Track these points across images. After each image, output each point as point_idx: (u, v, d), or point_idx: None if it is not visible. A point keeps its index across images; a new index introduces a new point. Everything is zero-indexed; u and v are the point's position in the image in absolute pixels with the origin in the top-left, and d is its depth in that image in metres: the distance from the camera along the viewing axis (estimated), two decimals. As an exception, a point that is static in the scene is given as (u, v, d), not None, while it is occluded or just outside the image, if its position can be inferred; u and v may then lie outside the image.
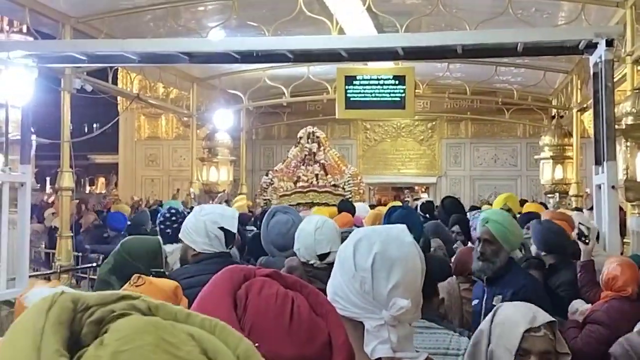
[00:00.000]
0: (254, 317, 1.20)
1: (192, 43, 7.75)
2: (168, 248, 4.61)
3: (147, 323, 0.66)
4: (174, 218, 4.93)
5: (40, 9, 8.98)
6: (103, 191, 24.91)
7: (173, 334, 0.65)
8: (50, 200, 16.87)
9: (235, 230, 3.35)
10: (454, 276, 4.48)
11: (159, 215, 5.18)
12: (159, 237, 4.75)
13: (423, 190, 19.43)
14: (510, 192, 7.19)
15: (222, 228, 3.25)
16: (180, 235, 3.48)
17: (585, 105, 11.99)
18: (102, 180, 26.90)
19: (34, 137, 7.99)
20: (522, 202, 9.82)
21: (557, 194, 13.35)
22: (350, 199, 10.93)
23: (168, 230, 4.81)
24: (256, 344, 1.14)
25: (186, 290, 2.58)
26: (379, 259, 1.56)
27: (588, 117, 12.87)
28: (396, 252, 1.58)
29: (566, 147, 13.37)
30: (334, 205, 9.58)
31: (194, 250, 3.26)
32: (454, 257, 4.89)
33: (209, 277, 1.30)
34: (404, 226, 1.69)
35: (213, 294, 1.24)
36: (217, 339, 0.69)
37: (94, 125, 21.72)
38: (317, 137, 11.83)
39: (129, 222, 9.00)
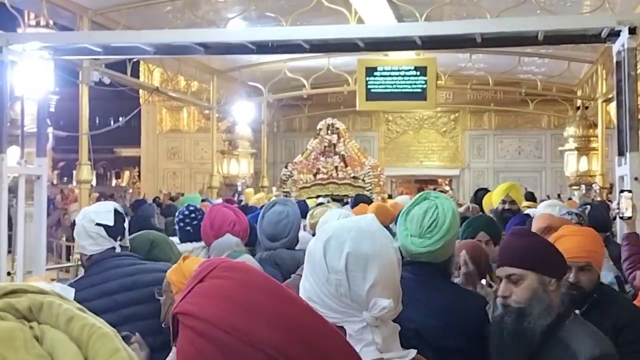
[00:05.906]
0: None
1: (207, 34, 7.66)
2: (189, 246, 4.52)
3: None
4: (192, 215, 4.81)
5: (57, 1, 8.99)
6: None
7: (13, 347, 0.61)
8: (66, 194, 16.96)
9: (111, 222, 3.30)
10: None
11: (177, 213, 5.07)
12: (178, 233, 4.70)
13: (446, 182, 19.26)
14: (513, 182, 6.87)
15: (98, 224, 3.24)
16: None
17: (610, 96, 11.76)
18: (127, 173, 27.10)
19: (50, 129, 7.97)
20: (530, 196, 9.47)
21: (583, 186, 13.15)
22: (370, 191, 10.85)
23: (188, 228, 4.72)
24: None
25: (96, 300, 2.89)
26: (352, 259, 1.47)
27: (614, 107, 12.62)
28: (369, 248, 1.48)
29: (591, 139, 13.17)
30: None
31: (86, 255, 3.27)
32: None
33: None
34: (372, 216, 1.60)
35: None
36: (90, 348, 0.66)
37: (120, 119, 21.84)
38: (337, 128, 11.71)
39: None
